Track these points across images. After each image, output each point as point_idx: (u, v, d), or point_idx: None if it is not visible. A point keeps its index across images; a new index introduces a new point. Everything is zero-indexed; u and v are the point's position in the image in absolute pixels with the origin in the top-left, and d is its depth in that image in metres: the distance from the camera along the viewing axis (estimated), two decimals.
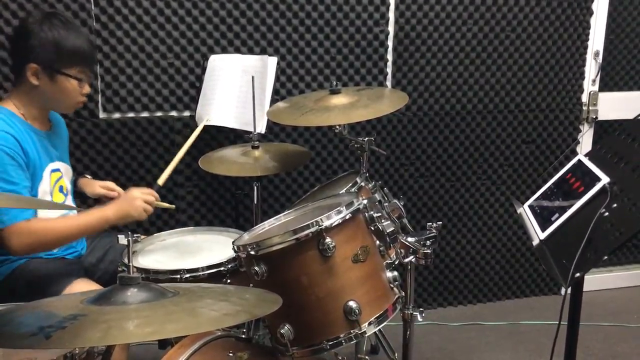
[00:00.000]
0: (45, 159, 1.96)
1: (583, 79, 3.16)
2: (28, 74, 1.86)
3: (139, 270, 1.81)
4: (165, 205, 2.17)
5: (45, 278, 1.89)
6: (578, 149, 3.23)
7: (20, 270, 1.92)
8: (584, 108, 3.20)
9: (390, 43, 2.87)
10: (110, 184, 2.20)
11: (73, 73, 1.90)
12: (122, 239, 1.68)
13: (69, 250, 2.06)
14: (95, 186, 2.19)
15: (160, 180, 2.12)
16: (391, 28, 2.85)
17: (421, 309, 1.77)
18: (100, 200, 2.17)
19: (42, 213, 1.92)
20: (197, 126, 2.57)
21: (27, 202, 1.53)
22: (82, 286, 1.86)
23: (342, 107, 2.02)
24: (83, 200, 2.27)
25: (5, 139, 1.80)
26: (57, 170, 2.02)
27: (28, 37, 1.85)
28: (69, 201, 2.08)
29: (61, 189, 2.03)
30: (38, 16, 1.88)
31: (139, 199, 1.94)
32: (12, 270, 1.92)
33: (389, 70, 2.90)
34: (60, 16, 1.91)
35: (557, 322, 1.38)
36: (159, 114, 2.68)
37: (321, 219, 1.46)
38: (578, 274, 1.28)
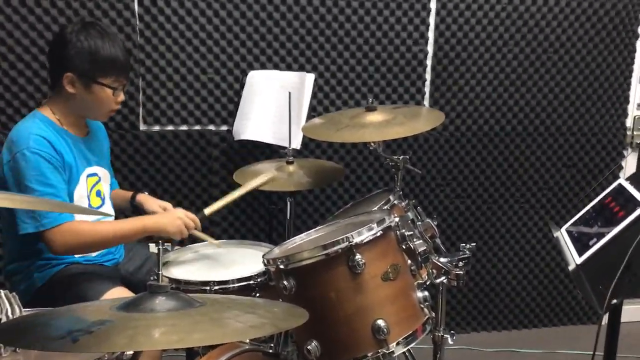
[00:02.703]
0: (82, 163, 2.00)
1: (628, 102, 3.08)
2: (64, 82, 1.90)
3: (170, 280, 1.83)
4: (208, 238, 2.14)
5: (83, 284, 1.92)
6: (621, 174, 3.14)
7: (59, 276, 1.96)
8: (628, 133, 3.12)
9: (428, 62, 2.86)
10: (168, 205, 2.19)
11: (108, 82, 1.92)
12: (153, 247, 1.70)
13: (107, 257, 2.09)
14: (154, 205, 2.19)
15: (207, 210, 2.06)
16: (430, 48, 2.85)
17: (452, 332, 1.74)
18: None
19: (79, 217, 1.96)
20: (233, 140, 2.60)
21: (67, 207, 1.56)
22: (119, 294, 1.88)
23: (377, 124, 2.01)
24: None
25: (38, 142, 1.84)
26: (94, 175, 2.06)
27: (65, 46, 1.89)
28: (107, 205, 2.11)
29: (98, 193, 2.07)
30: (76, 26, 1.93)
31: (180, 220, 1.96)
32: (51, 275, 1.96)
33: (426, 89, 2.89)
34: (97, 26, 1.95)
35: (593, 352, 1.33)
36: (197, 127, 2.73)
37: (351, 235, 1.45)
38: (615, 300, 1.23)
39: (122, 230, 1.92)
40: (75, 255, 2.00)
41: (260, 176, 2.16)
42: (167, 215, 2.00)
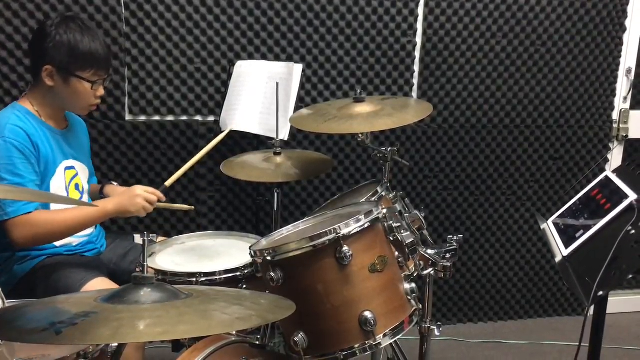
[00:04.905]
0: (59, 155, 1.98)
1: (614, 96, 3.10)
2: (43, 75, 1.90)
3: (156, 271, 1.81)
4: (181, 207, 2.18)
5: (64, 275, 1.90)
6: (607, 167, 3.16)
7: (40, 267, 1.94)
8: (614, 125, 3.14)
9: (417, 54, 2.85)
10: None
11: (86, 76, 1.92)
12: (138, 239, 1.68)
13: (88, 247, 2.07)
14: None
15: (168, 182, 2.10)
16: (419, 39, 2.84)
17: (439, 323, 1.74)
18: None
19: (55, 207, 1.94)
20: (221, 131, 2.58)
21: (34, 194, 1.53)
22: (101, 284, 1.87)
23: (365, 116, 2.00)
24: None
25: (15, 133, 1.84)
26: (72, 168, 2.04)
27: (44, 39, 1.89)
28: (85, 200, 2.09)
29: (77, 187, 2.05)
30: (56, 19, 1.92)
31: (140, 197, 1.94)
32: (32, 267, 1.94)
33: (415, 81, 2.88)
34: (78, 19, 1.94)
35: (578, 343, 1.34)
36: (184, 117, 2.70)
37: (339, 227, 1.45)
38: (601, 293, 1.24)
39: (82, 217, 1.91)
40: (56, 245, 1.98)
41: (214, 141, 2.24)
42: (126, 196, 1.96)
